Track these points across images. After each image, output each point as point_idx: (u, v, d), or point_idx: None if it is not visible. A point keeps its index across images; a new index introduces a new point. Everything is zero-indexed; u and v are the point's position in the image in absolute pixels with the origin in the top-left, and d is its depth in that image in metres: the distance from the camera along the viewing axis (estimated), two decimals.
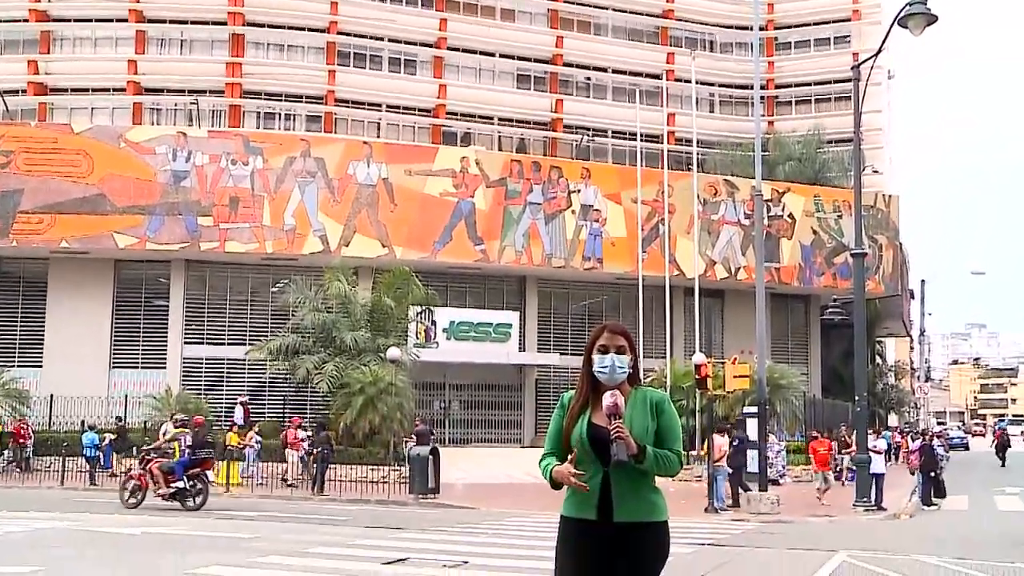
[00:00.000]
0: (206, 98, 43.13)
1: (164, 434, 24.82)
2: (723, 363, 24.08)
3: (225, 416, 32.98)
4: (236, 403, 32.73)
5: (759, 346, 21.47)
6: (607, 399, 3.98)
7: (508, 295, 38.55)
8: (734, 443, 20.77)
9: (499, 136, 46.91)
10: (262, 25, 44.76)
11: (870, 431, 24.10)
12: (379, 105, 45.39)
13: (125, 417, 31.03)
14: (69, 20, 44.40)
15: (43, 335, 34.18)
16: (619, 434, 3.90)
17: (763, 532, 16.04)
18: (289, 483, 25.07)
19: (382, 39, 45.74)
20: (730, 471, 20.48)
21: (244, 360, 33.46)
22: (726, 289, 40.41)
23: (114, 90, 43.89)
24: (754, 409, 22.49)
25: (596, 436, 4.01)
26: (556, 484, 4.05)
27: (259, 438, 26.73)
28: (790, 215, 40.61)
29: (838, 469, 28.13)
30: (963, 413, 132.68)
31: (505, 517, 18.37)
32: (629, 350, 4.14)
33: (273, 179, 34.12)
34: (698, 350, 30.09)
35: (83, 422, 29.09)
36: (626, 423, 4.02)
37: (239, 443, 26.01)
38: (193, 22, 44.65)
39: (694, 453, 30.68)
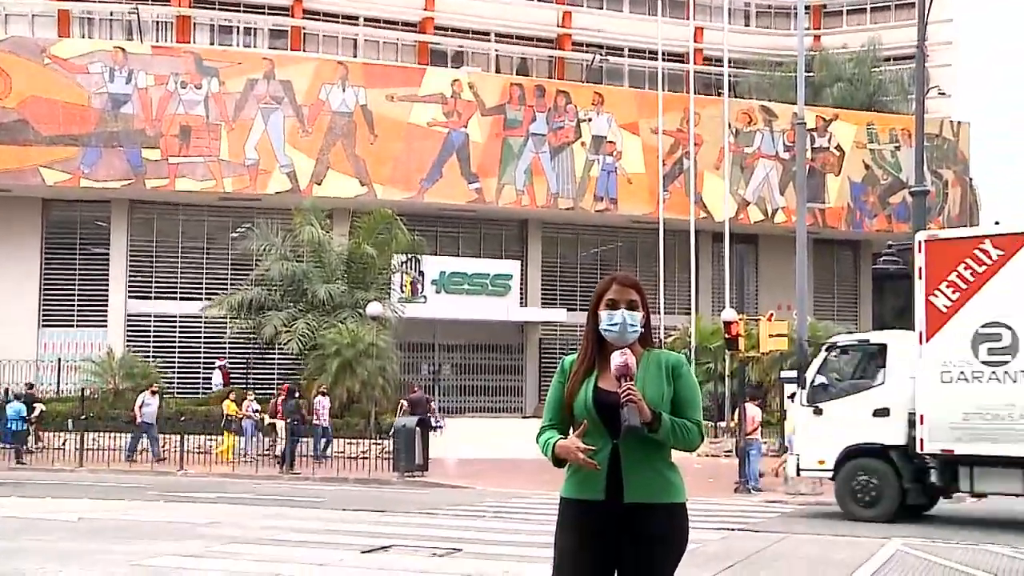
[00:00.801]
0: (148, 6, 42.22)
1: (142, 405, 25.16)
2: (757, 320, 24.10)
3: (179, 383, 33.15)
4: (213, 366, 32.94)
5: (799, 300, 21.48)
6: (616, 358, 3.97)
7: (507, 241, 38.56)
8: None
9: (496, 55, 46.47)
10: None
11: None
12: (355, 18, 44.78)
13: (58, 384, 31.15)
14: None
15: None
16: (630, 397, 3.89)
17: (803, 516, 16.15)
18: (281, 461, 25.29)
19: None
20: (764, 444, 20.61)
21: (200, 317, 33.53)
22: (761, 234, 40.36)
23: None
24: (793, 374, 22.53)
25: (603, 402, 4.01)
26: (559, 461, 4.05)
27: (257, 406, 26.98)
28: (838, 147, 40.45)
29: None
30: None
31: (504, 497, 18.54)
32: (641, 306, 4.13)
33: (231, 105, 33.92)
34: (728, 305, 30.13)
35: (7, 391, 28.93)
36: (638, 386, 4.00)
37: (238, 413, 26.19)
38: None
39: (723, 424, 30.89)
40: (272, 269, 30.93)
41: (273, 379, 33.91)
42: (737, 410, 21.42)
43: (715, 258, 39.12)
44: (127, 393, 29.56)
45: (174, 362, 34.35)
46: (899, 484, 15.29)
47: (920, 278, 14.84)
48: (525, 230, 38.54)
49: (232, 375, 33.81)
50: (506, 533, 13.11)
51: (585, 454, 3.93)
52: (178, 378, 32.17)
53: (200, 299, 33.81)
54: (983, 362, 14.31)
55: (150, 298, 35.02)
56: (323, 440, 26.08)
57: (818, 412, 16.18)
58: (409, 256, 33.85)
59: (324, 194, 33.44)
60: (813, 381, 16.47)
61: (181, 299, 34.99)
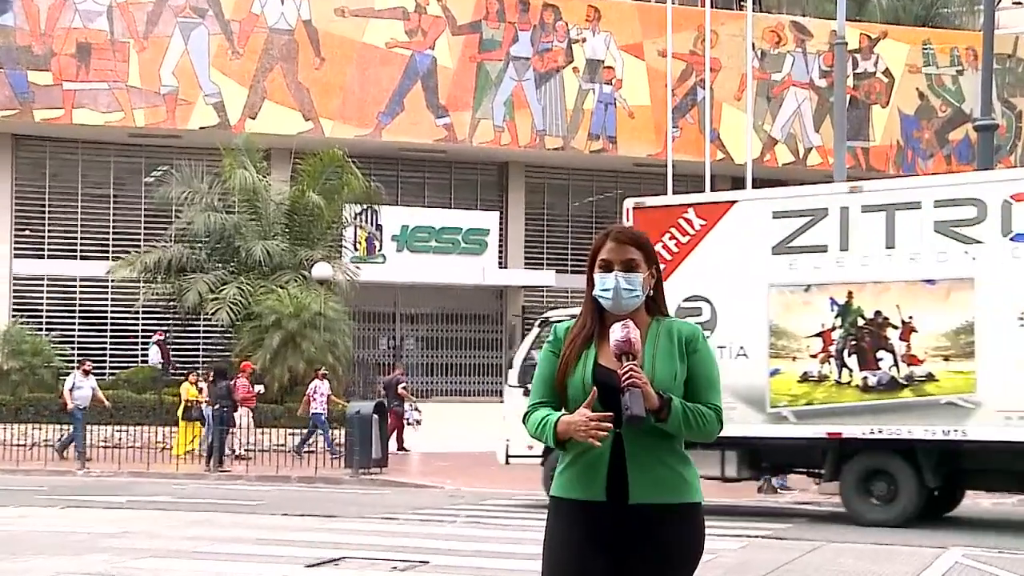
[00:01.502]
0: None
1: (72, 388, 25.09)
2: None
3: (76, 361, 33.02)
4: (150, 342, 32.82)
5: None
6: (616, 331, 3.98)
7: (484, 189, 38.48)
8: None
9: None
10: None
11: None
12: None
13: None
14: None
15: None
16: (633, 379, 3.91)
17: (839, 519, 16.29)
18: (239, 455, 25.31)
19: None
20: None
21: (106, 281, 33.40)
22: (791, 180, 40.33)
23: None
24: None
25: (605, 382, 4.02)
26: (561, 444, 4.06)
27: (263, 390, 27.01)
28: (886, 72, 40.48)
29: None
30: None
31: (479, 498, 18.62)
32: (645, 265, 4.15)
33: (142, 18, 33.59)
34: None
35: None
36: (645, 365, 4.00)
37: (199, 399, 26.17)
38: None
39: None
40: (196, 222, 30.79)
41: (197, 357, 33.87)
42: None
43: None
44: (13, 374, 29.45)
45: (73, 336, 34.23)
46: None
47: None
48: (505, 175, 38.48)
49: (144, 351, 33.76)
50: (481, 542, 13.14)
51: (599, 423, 3.89)
52: (79, 355, 32.06)
53: (106, 258, 33.62)
54: None
55: (42, 257, 34.80)
56: (320, 433, 26.15)
57: (528, 393, 16.64)
58: (364, 207, 33.73)
59: (259, 130, 33.23)
60: (525, 359, 17.84)
61: (82, 259, 34.80)
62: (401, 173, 37.43)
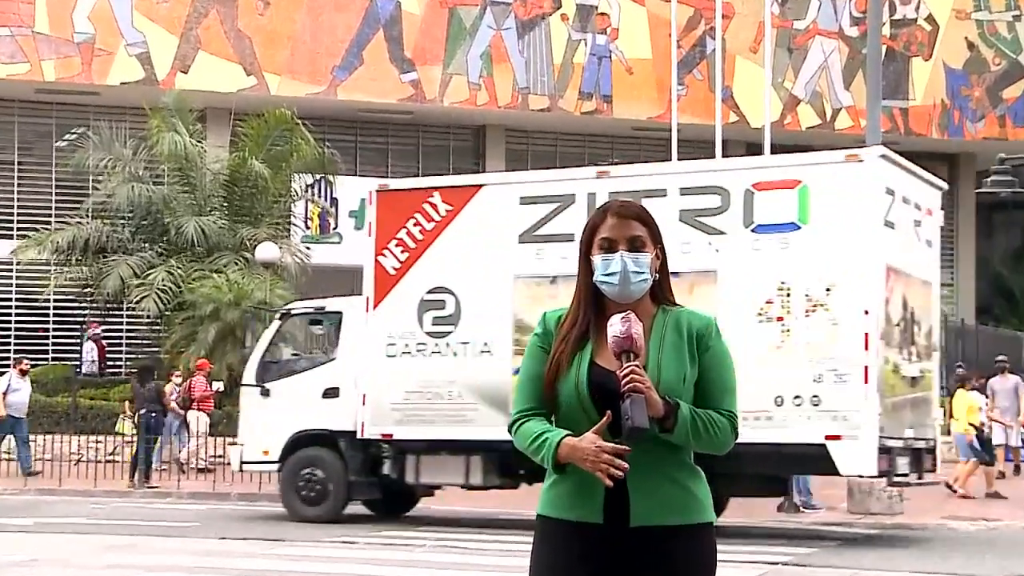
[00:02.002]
0: None
1: (7, 392, 25.03)
2: None
3: (13, 360, 32.90)
4: (84, 336, 32.72)
5: None
6: (615, 325, 3.96)
7: (457, 156, 38.47)
8: None
9: None
10: None
11: None
12: None
13: None
14: None
15: None
16: (635, 383, 3.89)
17: (875, 544, 16.33)
18: (204, 468, 25.21)
19: None
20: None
21: (10, 263, 33.26)
22: (816, 146, 40.24)
23: None
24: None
25: (602, 385, 4.01)
26: (558, 465, 4.04)
27: (221, 389, 27.15)
28: (929, 18, 40.52)
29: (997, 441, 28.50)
30: None
31: (450, 520, 18.64)
32: (651, 244, 4.14)
33: None
34: (937, 236, 30.19)
35: None
36: (649, 365, 3.98)
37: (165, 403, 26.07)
38: None
39: (935, 415, 30.92)
40: (117, 194, 30.70)
41: (120, 352, 33.77)
42: None
43: None
44: None
45: None
46: (347, 477, 18.06)
47: (371, 235, 17.80)
48: (482, 140, 38.50)
49: (65, 345, 33.70)
50: (453, 569, 13.12)
51: (613, 457, 3.86)
52: None
53: (10, 238, 33.53)
54: (428, 333, 17.31)
55: None
56: None
57: (266, 393, 18.77)
58: (317, 177, 33.66)
59: (192, 87, 33.16)
60: (263, 356, 19.04)
61: None
62: (360, 138, 37.40)
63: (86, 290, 31.53)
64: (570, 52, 36.98)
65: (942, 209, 18.39)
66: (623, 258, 4.09)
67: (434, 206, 17.36)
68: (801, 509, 19.83)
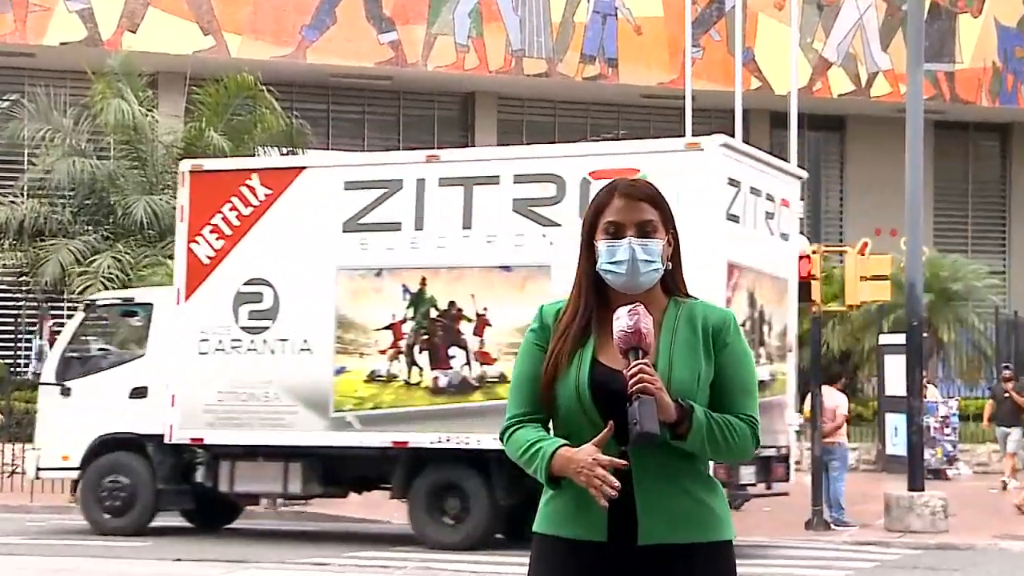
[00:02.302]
0: None
1: None
2: (842, 253, 24.25)
3: None
4: (33, 331, 32.69)
5: (911, 221, 21.63)
6: (621, 318, 3.99)
7: (443, 129, 38.47)
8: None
9: None
10: None
11: None
12: None
13: None
14: None
15: None
16: (644, 383, 3.91)
17: (917, 567, 16.37)
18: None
19: None
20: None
21: None
22: (850, 115, 40.53)
23: None
24: (900, 339, 22.69)
25: (606, 386, 4.04)
26: (554, 480, 4.05)
27: None
28: None
29: None
30: None
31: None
32: (663, 229, 4.17)
33: None
34: (796, 229, 30.21)
35: None
36: (659, 364, 4.04)
37: None
38: None
39: (790, 421, 31.15)
40: (56, 170, 30.51)
41: None
42: (808, 398, 21.61)
43: (774, 154, 39.36)
44: None
45: None
46: (155, 485, 18.41)
47: (182, 219, 18.26)
48: (470, 109, 38.48)
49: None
50: None
51: (606, 473, 3.88)
52: None
53: None
54: (243, 328, 17.72)
55: None
56: None
57: (66, 392, 19.06)
58: (284, 151, 33.58)
59: (142, 48, 32.96)
60: (64, 352, 19.40)
61: None
62: (333, 107, 37.35)
63: (21, 279, 31.41)
64: (570, 9, 36.87)
65: (802, 200, 18.97)
66: (631, 245, 4.10)
67: (252, 189, 17.71)
68: (832, 526, 19.86)
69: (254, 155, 31.81)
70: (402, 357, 16.97)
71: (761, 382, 16.99)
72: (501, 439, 4.20)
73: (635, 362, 3.90)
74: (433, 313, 16.95)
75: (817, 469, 20.56)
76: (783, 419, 18.36)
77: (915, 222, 21.59)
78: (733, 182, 16.74)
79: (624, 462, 3.91)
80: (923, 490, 20.27)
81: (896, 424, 24.65)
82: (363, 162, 18.98)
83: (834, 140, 40.00)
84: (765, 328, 17.75)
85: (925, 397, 23.63)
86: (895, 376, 24.11)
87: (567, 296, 4.27)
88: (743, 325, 16.22)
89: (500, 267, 16.83)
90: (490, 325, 16.73)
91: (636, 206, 4.14)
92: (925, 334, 23.54)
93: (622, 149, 18.77)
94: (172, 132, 31.47)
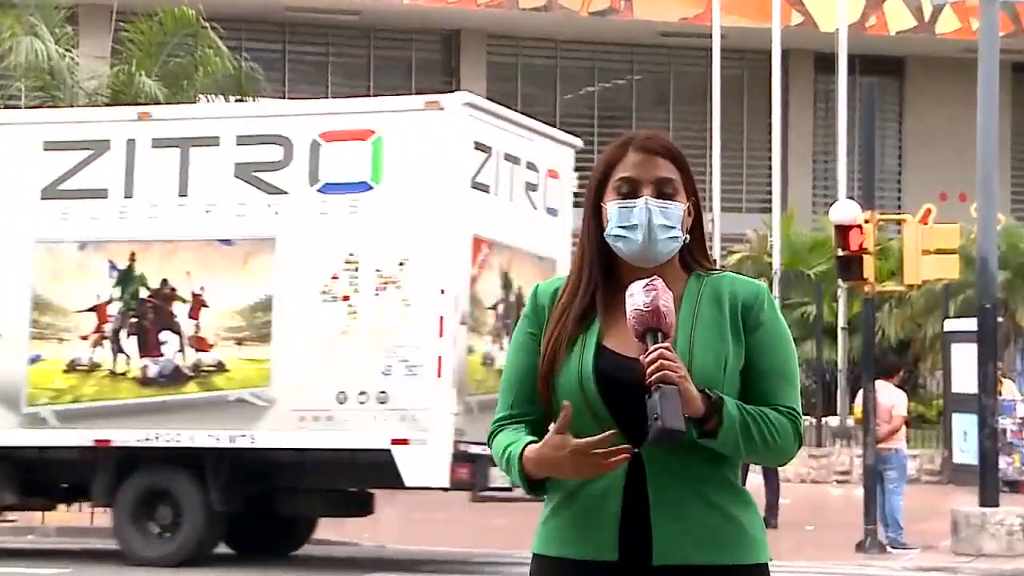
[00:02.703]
0: None
1: None
2: (901, 221, 24.24)
3: None
4: None
5: (983, 184, 21.62)
6: (637, 294, 3.92)
7: (422, 71, 38.67)
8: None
9: None
10: None
11: None
12: None
13: None
14: None
15: None
16: (665, 370, 3.84)
17: None
18: None
19: None
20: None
21: None
22: (910, 56, 40.63)
23: None
24: (970, 324, 22.66)
25: (614, 377, 4.00)
26: (534, 485, 4.03)
27: None
28: None
29: None
30: None
31: (411, 563, 18.85)
32: (684, 193, 4.13)
33: None
34: (844, 194, 30.20)
35: None
36: (678, 348, 3.96)
37: None
38: None
39: (833, 422, 31.15)
40: None
41: None
42: (860, 396, 21.60)
43: (819, 103, 39.22)
44: None
45: None
46: None
47: None
48: (455, 50, 38.66)
49: None
50: None
51: (598, 448, 3.82)
52: None
53: None
54: None
55: None
56: None
57: None
58: (233, 100, 33.54)
59: None
60: None
61: None
62: (290, 47, 37.44)
63: None
64: None
65: (576, 171, 19.07)
66: (648, 205, 4.03)
67: None
68: (888, 549, 19.87)
69: (195, 103, 31.84)
70: (107, 343, 17.18)
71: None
72: (489, 444, 4.20)
73: (654, 346, 3.83)
74: (143, 293, 17.25)
75: (870, 481, 20.53)
76: None
77: (988, 185, 21.57)
78: (481, 147, 17.17)
79: (629, 449, 3.86)
80: (997, 505, 20.27)
81: (965, 427, 24.62)
82: (65, 119, 19.30)
83: (891, 86, 40.16)
84: None
85: (1000, 394, 23.63)
86: (964, 369, 24.08)
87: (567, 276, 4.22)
88: (493, 307, 17.52)
89: (219, 240, 17.22)
90: (207, 306, 17.07)
91: (654, 162, 4.08)
92: (1000, 318, 23.46)
93: (355, 108, 19.48)
94: (96, 76, 31.43)
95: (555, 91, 39.38)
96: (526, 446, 3.98)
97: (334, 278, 16.64)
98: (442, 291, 16.46)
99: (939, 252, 22.14)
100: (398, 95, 37.24)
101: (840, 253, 22.10)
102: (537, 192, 18.10)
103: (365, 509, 19.30)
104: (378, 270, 16.62)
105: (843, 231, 21.87)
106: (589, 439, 3.84)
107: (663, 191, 4.05)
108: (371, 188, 16.79)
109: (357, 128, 17.09)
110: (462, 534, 20.97)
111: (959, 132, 31.97)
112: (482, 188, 17.04)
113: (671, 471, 3.98)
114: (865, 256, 21.44)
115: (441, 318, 16.41)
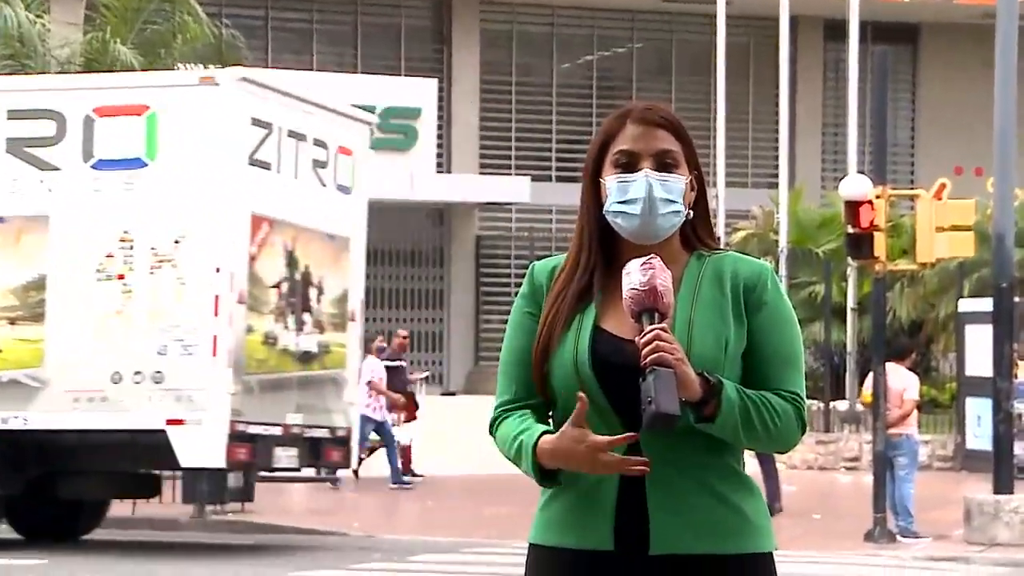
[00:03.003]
0: None
1: None
2: (914, 196, 24.24)
3: None
4: None
5: (1000, 157, 21.61)
6: (634, 273, 3.90)
7: (411, 39, 38.67)
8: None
9: None
10: None
11: None
12: None
13: None
14: None
15: None
16: (661, 352, 3.83)
17: None
18: None
19: None
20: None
21: None
22: (924, 23, 40.55)
23: None
24: (985, 304, 22.67)
25: (610, 359, 3.97)
26: (546, 475, 4.02)
27: None
28: None
29: None
30: None
31: (403, 553, 18.65)
32: (686, 166, 4.12)
33: None
34: (854, 168, 30.21)
35: None
36: (676, 330, 3.98)
37: None
38: None
39: (841, 406, 31.17)
40: None
41: None
42: (871, 379, 21.62)
43: (829, 72, 39.23)
44: None
45: None
46: None
47: None
48: (447, 17, 38.60)
49: None
50: None
51: (610, 450, 3.84)
52: None
53: None
54: None
55: None
56: None
57: None
58: (212, 69, 33.53)
59: None
60: None
61: None
62: (273, 14, 37.35)
63: None
64: None
65: (372, 149, 19.95)
66: (648, 179, 4.01)
67: None
68: (898, 538, 19.84)
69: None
70: None
71: (309, 353, 18.53)
72: (491, 433, 4.19)
73: (650, 327, 3.81)
74: None
75: (880, 467, 20.53)
76: (340, 397, 19.13)
77: (1006, 158, 21.53)
78: (260, 123, 17.45)
79: (633, 435, 3.84)
80: (1012, 493, 20.25)
81: (979, 411, 24.65)
82: None
83: (904, 55, 40.11)
84: (313, 292, 18.52)
85: (1016, 378, 23.64)
86: (978, 352, 24.04)
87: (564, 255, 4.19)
88: (276, 286, 18.01)
89: None
90: None
91: (653, 133, 4.05)
92: (1017, 298, 23.46)
93: (129, 83, 19.59)
94: (68, 44, 31.39)
95: (551, 60, 39.31)
96: (540, 435, 3.98)
97: (109, 256, 16.97)
98: (217, 269, 16.84)
99: (953, 229, 22.12)
100: (386, 65, 37.50)
101: (850, 230, 22.08)
102: (327, 169, 18.48)
103: (150, 491, 19.81)
104: (153, 248, 16.98)
105: (853, 207, 21.85)
106: (610, 438, 3.85)
107: (663, 162, 4.03)
108: (146, 165, 17.12)
109: (131, 103, 17.33)
110: (454, 523, 20.96)
111: (975, 103, 31.96)
112: (262, 165, 17.39)
113: (670, 458, 3.95)
114: (876, 233, 21.42)
115: (216, 297, 16.83)
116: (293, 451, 18.28)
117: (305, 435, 18.33)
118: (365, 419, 25.36)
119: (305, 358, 18.24)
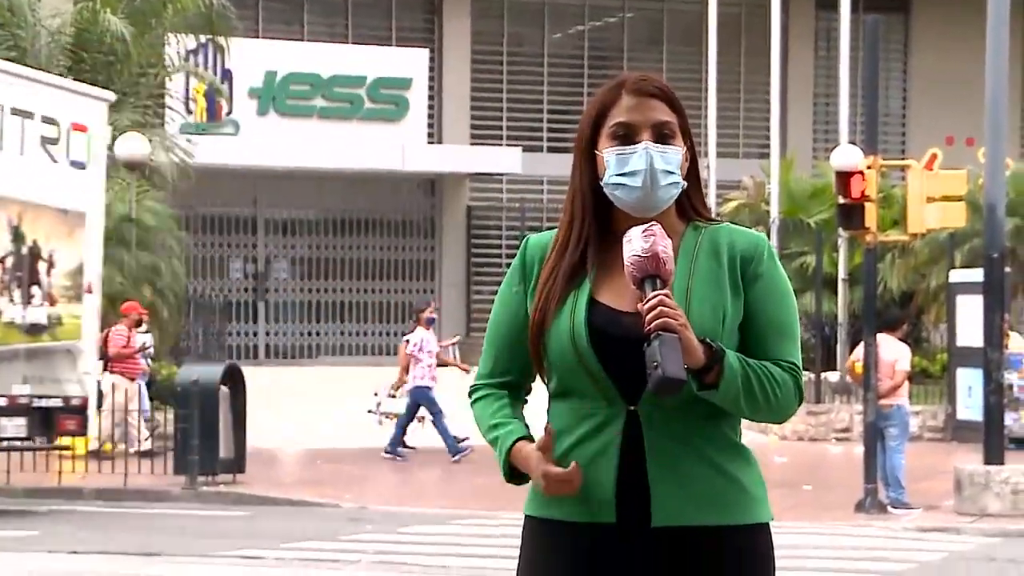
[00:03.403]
0: None
1: None
2: (905, 167, 24.23)
3: None
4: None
5: (992, 127, 21.57)
6: (635, 240, 3.91)
7: (403, 10, 38.56)
8: None
9: None
10: None
11: None
12: None
13: None
14: None
15: None
16: (665, 317, 3.83)
17: (994, 558, 16.34)
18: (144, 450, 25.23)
19: None
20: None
21: None
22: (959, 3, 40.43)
23: None
24: (976, 275, 22.66)
25: (607, 331, 4.01)
26: (514, 473, 4.09)
27: (151, 344, 27.48)
28: None
29: None
30: None
31: (396, 522, 18.70)
32: (681, 136, 4.12)
33: None
34: (846, 138, 30.17)
35: None
36: (677, 299, 3.95)
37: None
38: None
39: (832, 377, 31.21)
40: None
41: None
42: (861, 349, 21.62)
43: (821, 42, 39.21)
44: None
45: None
46: None
47: None
48: None
49: None
50: None
51: (559, 479, 3.92)
52: None
53: None
54: None
55: None
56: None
57: None
58: (202, 40, 33.44)
59: None
60: None
61: None
62: None
63: None
64: None
65: (111, 125, 20.44)
66: (648, 151, 4.02)
67: None
68: (889, 509, 19.88)
69: (163, 43, 31.69)
70: None
71: (38, 325, 19.12)
72: (470, 400, 4.23)
73: (653, 293, 3.84)
74: None
75: (871, 438, 20.52)
76: (74, 367, 19.74)
77: (997, 128, 21.49)
78: None
79: (570, 474, 3.98)
80: (1003, 463, 20.25)
81: (970, 382, 24.67)
82: None
83: (896, 24, 40.04)
84: (42, 265, 18.88)
85: (1007, 348, 23.67)
86: (969, 322, 24.06)
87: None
88: (1, 261, 18.55)
89: None
90: None
91: (649, 104, 4.07)
92: (1008, 269, 23.45)
93: None
94: (59, 14, 31.31)
95: (543, 29, 39.24)
96: (516, 440, 4.02)
97: None
98: None
99: (945, 199, 22.11)
100: (377, 35, 37.45)
101: (841, 201, 22.07)
102: (57, 145, 18.74)
103: None
104: None
105: (844, 177, 21.86)
106: (560, 472, 3.93)
107: (661, 133, 4.05)
108: None
109: None
110: (446, 494, 20.97)
111: (967, 73, 31.94)
112: None
113: (668, 429, 3.98)
114: (867, 204, 21.40)
115: None
116: (21, 421, 18.69)
117: (34, 405, 18.76)
118: (423, 390, 25.50)
119: (33, 330, 18.74)
